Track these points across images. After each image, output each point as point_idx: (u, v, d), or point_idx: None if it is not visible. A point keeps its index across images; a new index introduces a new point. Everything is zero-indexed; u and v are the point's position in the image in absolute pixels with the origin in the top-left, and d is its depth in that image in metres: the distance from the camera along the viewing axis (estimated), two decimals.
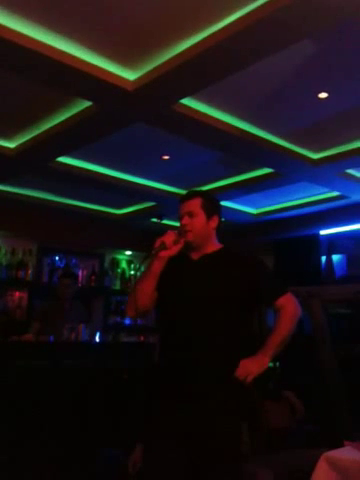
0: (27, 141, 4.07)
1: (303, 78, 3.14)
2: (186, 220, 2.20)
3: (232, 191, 5.22)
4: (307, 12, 2.38)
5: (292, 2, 2.31)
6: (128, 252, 6.83)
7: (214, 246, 2.27)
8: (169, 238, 2.14)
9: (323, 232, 6.01)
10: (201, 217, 2.21)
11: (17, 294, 5.67)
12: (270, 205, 5.95)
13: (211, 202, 2.28)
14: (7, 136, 4.07)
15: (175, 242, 2.15)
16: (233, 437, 2.05)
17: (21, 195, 5.41)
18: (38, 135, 3.95)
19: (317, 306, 5.39)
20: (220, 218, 2.29)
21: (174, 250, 2.15)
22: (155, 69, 2.99)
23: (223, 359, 2.08)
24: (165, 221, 6.04)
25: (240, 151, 4.18)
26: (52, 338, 4.01)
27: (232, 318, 2.12)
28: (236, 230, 6.40)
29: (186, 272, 2.22)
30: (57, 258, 6.09)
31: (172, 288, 2.19)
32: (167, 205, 5.48)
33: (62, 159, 4.43)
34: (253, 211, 6.16)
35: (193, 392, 2.05)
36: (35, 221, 5.67)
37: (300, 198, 5.63)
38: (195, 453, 2.01)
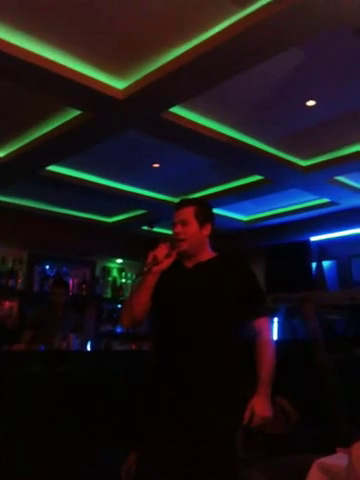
0: (17, 149, 4.06)
1: (291, 86, 3.17)
2: (179, 228, 2.21)
3: (223, 198, 5.24)
4: (295, 21, 2.41)
5: (280, 11, 2.34)
6: (119, 260, 6.81)
7: (208, 254, 2.27)
8: (161, 252, 2.14)
9: (314, 238, 6.05)
10: (194, 225, 2.21)
11: (7, 303, 5.64)
12: (261, 212, 5.98)
13: (204, 210, 2.27)
14: None
15: (167, 255, 2.15)
16: (230, 439, 2.05)
17: (11, 203, 5.40)
18: (28, 143, 3.95)
19: (310, 311, 5.41)
20: (213, 226, 2.30)
21: (166, 263, 2.16)
22: (145, 78, 3.00)
23: (219, 367, 2.08)
24: (156, 229, 6.05)
25: (230, 158, 4.21)
26: (43, 347, 3.99)
27: (227, 325, 2.13)
28: (227, 237, 6.42)
29: (180, 280, 2.22)
30: (48, 267, 6.07)
31: (167, 297, 2.19)
32: (158, 213, 5.49)
33: (52, 167, 4.43)
34: (244, 218, 6.19)
35: (189, 397, 2.06)
36: (26, 229, 5.65)
37: (290, 205, 5.67)
38: (191, 454, 2.01)
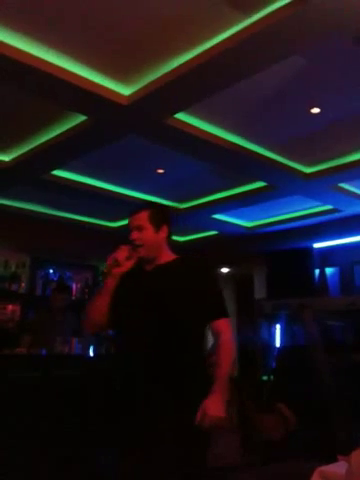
0: (22, 154, 4.09)
1: (295, 93, 3.19)
2: (135, 234, 2.22)
3: (226, 204, 5.26)
4: (298, 29, 2.43)
5: (283, 19, 2.37)
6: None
7: (167, 256, 2.28)
8: (121, 254, 2.17)
9: (317, 245, 6.05)
10: (149, 230, 2.22)
11: (10, 307, 5.65)
12: (264, 218, 5.99)
13: (159, 213, 2.29)
14: (2, 149, 4.10)
15: (128, 258, 2.17)
16: (177, 420, 2.02)
17: (15, 207, 5.43)
18: (33, 148, 3.98)
19: (309, 317, 5.41)
20: (170, 227, 2.30)
21: (127, 266, 2.18)
22: (149, 84, 3.03)
23: (177, 369, 2.08)
24: None
25: (233, 165, 4.23)
26: (44, 351, 3.99)
27: (185, 327, 2.13)
28: (230, 242, 6.44)
29: (139, 283, 2.24)
30: (51, 271, 6.08)
31: (126, 300, 2.20)
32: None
33: (57, 172, 4.46)
34: (247, 224, 6.20)
35: (148, 401, 2.06)
36: (29, 233, 5.67)
37: (293, 211, 5.68)
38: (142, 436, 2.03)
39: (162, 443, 1.99)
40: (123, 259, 2.16)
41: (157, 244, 2.24)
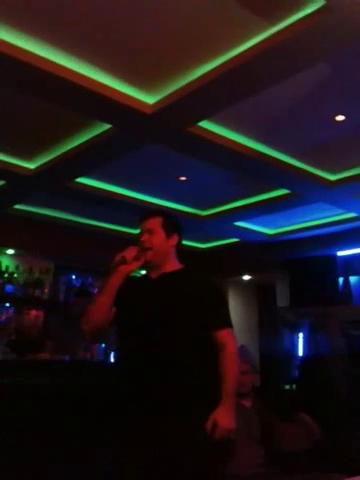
0: (46, 162, 4.14)
1: (320, 100, 3.17)
2: (146, 237, 2.24)
3: (248, 212, 5.23)
4: (323, 37, 2.42)
5: (308, 27, 2.36)
6: (144, 272, 6.83)
7: (173, 265, 2.29)
8: (130, 253, 2.18)
9: (340, 253, 5.98)
10: (160, 235, 2.25)
11: (33, 312, 5.71)
12: (286, 225, 5.94)
13: (171, 221, 2.33)
14: (27, 157, 4.16)
15: (135, 258, 2.17)
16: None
17: (39, 214, 5.49)
18: (57, 156, 4.02)
19: (334, 326, 5.35)
20: (180, 237, 2.32)
21: (134, 266, 2.18)
22: (174, 93, 3.04)
23: (179, 376, 2.07)
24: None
25: (256, 172, 4.21)
26: (68, 357, 4.02)
27: (190, 336, 2.12)
28: (252, 250, 6.41)
29: (144, 290, 2.25)
30: (73, 277, 6.13)
31: (130, 306, 2.21)
32: (182, 225, 5.50)
33: (80, 180, 4.50)
34: (269, 231, 6.16)
35: (153, 409, 2.06)
36: (52, 240, 5.73)
37: (317, 219, 5.62)
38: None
39: (180, 460, 1.98)
40: (130, 258, 2.17)
41: (165, 251, 2.26)
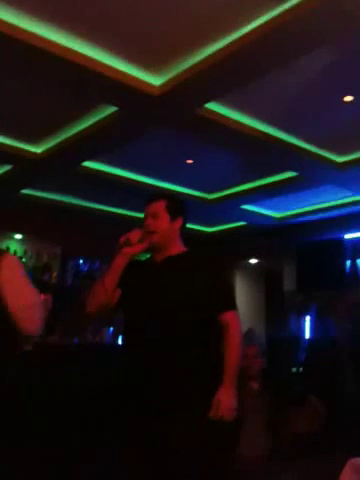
0: (53, 146, 4.14)
1: (328, 82, 3.13)
2: (150, 221, 2.24)
3: (255, 195, 5.22)
4: (330, 17, 2.38)
5: (316, 7, 2.32)
6: (148, 255, 6.84)
7: (178, 248, 2.28)
8: (134, 235, 2.17)
9: (348, 236, 5.95)
10: (165, 219, 2.24)
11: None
12: (294, 209, 5.92)
13: (175, 204, 2.31)
14: (34, 141, 4.15)
15: (140, 240, 2.17)
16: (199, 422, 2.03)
17: (46, 199, 5.50)
18: (64, 140, 4.02)
19: (342, 310, 5.35)
20: (185, 220, 2.32)
21: (138, 248, 2.18)
22: (180, 74, 3.01)
23: (186, 359, 2.07)
24: (187, 224, 6.05)
25: (264, 155, 4.18)
26: (77, 340, 4.06)
27: (193, 320, 2.12)
28: (259, 233, 6.39)
29: (149, 274, 2.25)
30: (81, 261, 6.15)
31: (135, 289, 2.21)
32: (190, 209, 5.49)
33: (87, 164, 4.49)
34: (276, 214, 6.14)
35: (157, 391, 2.06)
36: (60, 225, 5.74)
37: (324, 202, 5.59)
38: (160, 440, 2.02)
39: (186, 444, 1.99)
40: (135, 240, 2.16)
41: (170, 234, 2.26)
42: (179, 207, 2.33)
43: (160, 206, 2.26)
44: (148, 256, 2.36)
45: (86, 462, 3.16)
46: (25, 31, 2.62)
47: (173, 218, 2.26)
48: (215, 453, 2.03)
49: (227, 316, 2.17)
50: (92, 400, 3.17)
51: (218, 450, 2.05)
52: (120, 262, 2.17)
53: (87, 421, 3.25)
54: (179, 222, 2.28)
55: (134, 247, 2.17)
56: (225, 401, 2.03)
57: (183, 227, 2.31)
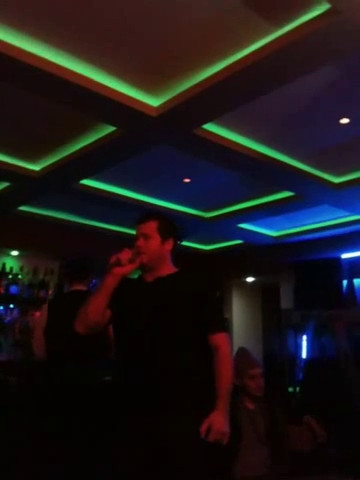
0: (52, 164, 4.16)
1: (324, 103, 3.17)
2: (141, 242, 2.24)
3: (253, 213, 5.24)
4: (329, 40, 2.42)
5: (315, 30, 2.36)
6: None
7: (168, 269, 2.30)
8: (125, 256, 2.17)
9: (345, 255, 5.97)
10: (156, 240, 2.25)
11: (38, 314, 5.71)
12: (291, 227, 5.95)
13: (167, 225, 2.32)
14: (32, 159, 4.17)
15: (130, 260, 2.17)
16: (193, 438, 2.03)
17: (43, 216, 5.51)
18: (63, 158, 4.04)
19: (340, 329, 5.35)
20: (175, 241, 2.33)
21: (128, 268, 2.18)
22: (178, 95, 3.05)
23: (176, 377, 2.09)
24: (184, 242, 6.07)
25: (261, 175, 4.21)
26: None
27: (184, 340, 2.14)
28: (256, 252, 6.41)
29: (139, 294, 2.26)
30: None
31: (125, 309, 2.22)
32: (187, 227, 5.51)
33: (86, 181, 4.51)
34: (273, 233, 6.16)
35: (152, 410, 2.08)
36: (57, 241, 5.74)
37: (321, 221, 5.62)
38: (158, 457, 2.03)
39: (185, 444, 2.01)
40: (125, 260, 2.16)
41: (161, 255, 2.27)
42: (170, 228, 2.34)
43: (151, 227, 2.27)
44: (138, 274, 2.37)
45: (86, 462, 3.14)
46: (26, 52, 2.65)
47: (164, 239, 2.28)
48: (215, 453, 2.06)
49: (217, 338, 2.18)
50: (92, 400, 3.15)
51: (217, 450, 2.07)
52: (110, 282, 2.17)
53: (87, 421, 3.22)
54: (170, 243, 2.30)
55: (124, 267, 2.17)
56: (216, 425, 2.04)
57: (174, 248, 2.32)
